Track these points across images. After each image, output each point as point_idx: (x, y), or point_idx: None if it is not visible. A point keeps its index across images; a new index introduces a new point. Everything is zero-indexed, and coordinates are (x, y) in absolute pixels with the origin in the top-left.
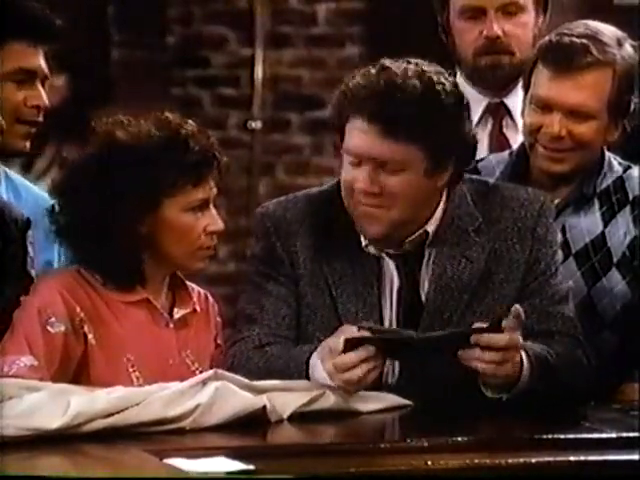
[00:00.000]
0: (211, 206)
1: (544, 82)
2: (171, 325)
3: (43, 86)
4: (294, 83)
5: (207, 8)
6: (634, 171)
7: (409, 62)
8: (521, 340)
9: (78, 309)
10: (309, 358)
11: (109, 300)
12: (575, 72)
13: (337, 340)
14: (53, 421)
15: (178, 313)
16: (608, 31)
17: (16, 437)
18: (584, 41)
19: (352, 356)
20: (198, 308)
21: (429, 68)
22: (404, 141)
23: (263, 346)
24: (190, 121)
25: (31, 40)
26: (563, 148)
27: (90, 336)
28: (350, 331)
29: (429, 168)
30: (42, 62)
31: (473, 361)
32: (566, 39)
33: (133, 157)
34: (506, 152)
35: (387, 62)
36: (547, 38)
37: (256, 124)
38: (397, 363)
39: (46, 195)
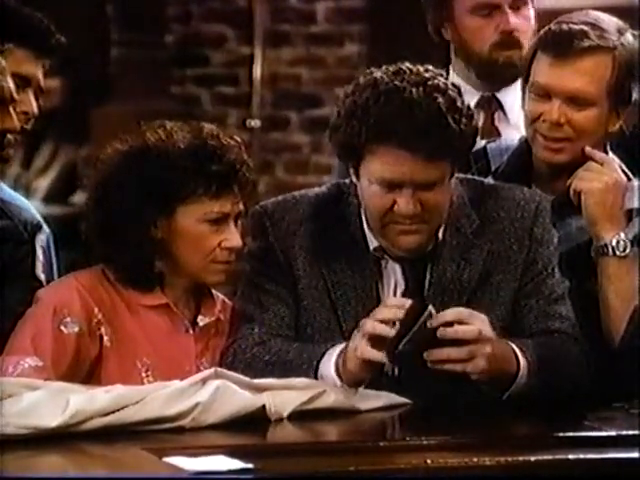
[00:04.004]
0: (231, 222)
1: (543, 69)
2: (191, 332)
3: (35, 96)
4: (293, 81)
5: (206, 6)
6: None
7: (403, 71)
8: (490, 333)
9: (96, 310)
10: (325, 353)
11: (130, 302)
12: (574, 57)
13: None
14: (52, 419)
15: (202, 321)
16: (608, 19)
17: (15, 435)
18: (583, 27)
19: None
20: (222, 317)
21: (429, 74)
22: (443, 158)
23: (264, 342)
24: (227, 135)
25: (32, 50)
26: (562, 137)
27: (106, 338)
28: None
29: (452, 174)
30: (39, 73)
31: (442, 362)
32: (565, 26)
33: (153, 160)
34: (518, 137)
35: (385, 77)
36: (547, 27)
37: (255, 122)
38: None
39: (31, 208)
